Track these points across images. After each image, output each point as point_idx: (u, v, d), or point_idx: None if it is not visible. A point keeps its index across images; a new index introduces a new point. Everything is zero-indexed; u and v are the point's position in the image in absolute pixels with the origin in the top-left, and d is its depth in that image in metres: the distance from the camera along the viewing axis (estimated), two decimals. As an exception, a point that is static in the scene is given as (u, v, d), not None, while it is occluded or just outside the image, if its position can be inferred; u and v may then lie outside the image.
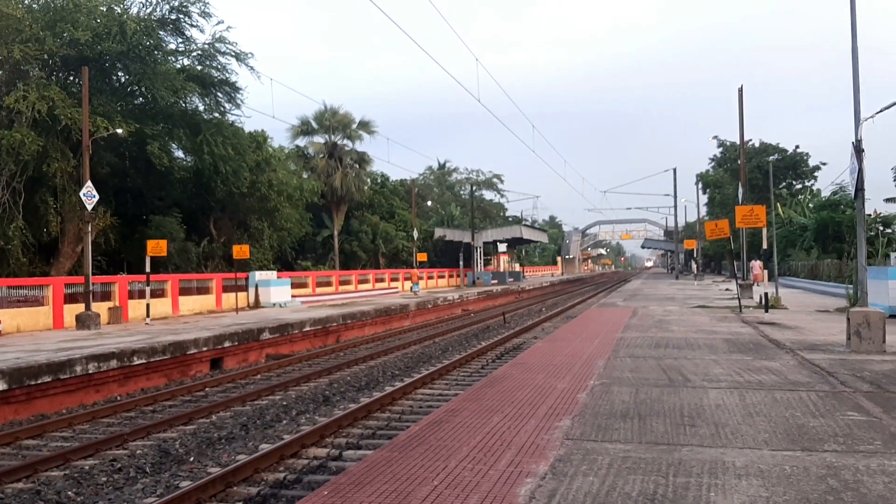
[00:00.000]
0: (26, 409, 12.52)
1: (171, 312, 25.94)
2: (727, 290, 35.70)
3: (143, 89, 28.65)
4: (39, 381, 12.65)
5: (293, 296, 32.22)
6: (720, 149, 61.99)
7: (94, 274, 21.96)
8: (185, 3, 28.95)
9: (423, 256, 49.29)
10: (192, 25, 30.01)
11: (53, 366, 12.97)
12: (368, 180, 56.85)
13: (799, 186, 58.38)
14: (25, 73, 25.53)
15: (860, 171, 13.40)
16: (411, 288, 44.61)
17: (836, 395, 8.22)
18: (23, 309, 20.49)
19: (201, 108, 31.29)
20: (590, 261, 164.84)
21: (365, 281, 43.13)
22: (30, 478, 8.66)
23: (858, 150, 13.44)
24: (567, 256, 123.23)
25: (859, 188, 13.55)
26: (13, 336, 18.78)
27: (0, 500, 7.83)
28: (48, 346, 15.55)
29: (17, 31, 24.43)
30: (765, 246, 23.43)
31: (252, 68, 31.58)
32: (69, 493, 8.03)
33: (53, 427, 11.44)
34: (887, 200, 45.87)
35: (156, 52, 28.07)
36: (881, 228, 38.54)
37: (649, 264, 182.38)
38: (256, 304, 30.30)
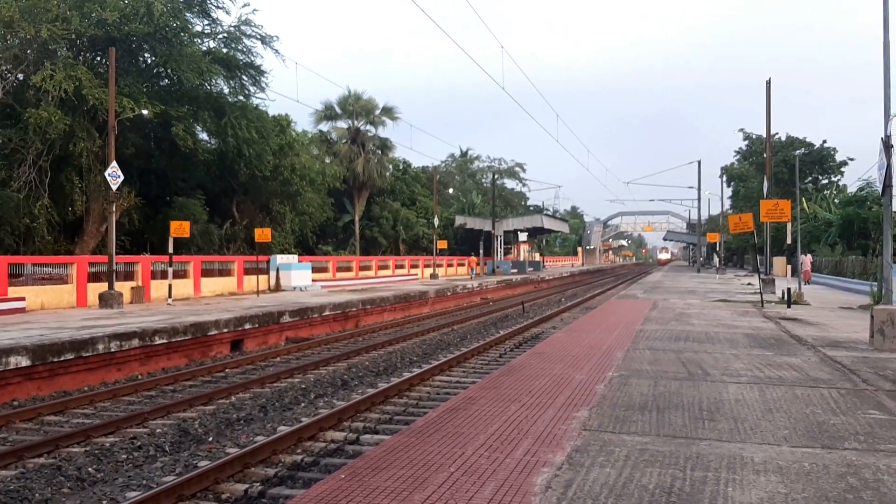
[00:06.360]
0: (49, 386, 12.68)
1: (193, 293, 26.16)
2: (749, 284, 35.41)
3: (168, 71, 28.81)
4: (62, 358, 12.81)
5: (313, 280, 32.41)
6: (746, 142, 61.23)
7: (117, 253, 22.17)
8: (211, -15, 29.10)
9: (443, 244, 49.32)
10: (218, 7, 30.27)
11: (76, 343, 13.13)
12: (390, 166, 56.93)
13: (825, 182, 57.65)
14: (53, 53, 25.70)
15: (889, 167, 13.24)
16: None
17: (857, 392, 8.13)
18: (47, 286, 20.74)
19: (226, 90, 31.48)
20: (610, 252, 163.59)
21: (385, 267, 43.24)
22: (51, 453, 8.77)
23: (887, 145, 13.27)
24: (588, 247, 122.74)
25: (887, 184, 13.41)
26: (37, 313, 19.02)
27: (22, 475, 7.93)
28: (71, 324, 15.74)
29: (45, 10, 24.60)
30: (789, 241, 23.20)
31: (277, 51, 31.83)
32: (90, 469, 8.12)
33: (75, 404, 11.58)
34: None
35: (182, 34, 28.19)
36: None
37: (664, 256, 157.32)
38: (277, 288, 30.49)
